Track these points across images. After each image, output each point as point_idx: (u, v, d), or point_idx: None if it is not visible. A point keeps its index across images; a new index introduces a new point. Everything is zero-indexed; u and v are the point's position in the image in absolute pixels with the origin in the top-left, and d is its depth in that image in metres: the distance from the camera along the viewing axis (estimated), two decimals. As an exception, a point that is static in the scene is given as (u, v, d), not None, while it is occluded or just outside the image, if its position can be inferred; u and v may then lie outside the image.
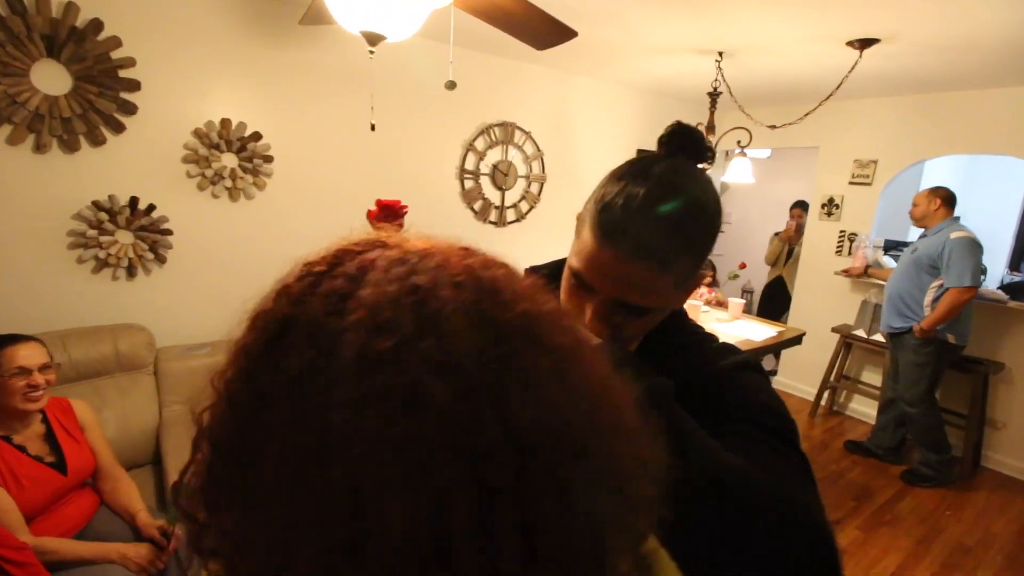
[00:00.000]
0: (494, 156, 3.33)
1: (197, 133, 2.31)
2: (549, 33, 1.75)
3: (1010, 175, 4.41)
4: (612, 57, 3.03)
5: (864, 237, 3.66)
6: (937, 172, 4.58)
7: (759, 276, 5.74)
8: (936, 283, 2.83)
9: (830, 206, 3.88)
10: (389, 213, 1.46)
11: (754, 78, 3.20)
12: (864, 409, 3.81)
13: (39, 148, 1.99)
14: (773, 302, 4.44)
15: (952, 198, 2.90)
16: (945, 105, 3.29)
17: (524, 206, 3.53)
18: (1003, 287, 3.35)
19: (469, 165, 3.23)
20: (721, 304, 3.46)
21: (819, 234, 3.98)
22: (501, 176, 3.35)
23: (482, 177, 3.30)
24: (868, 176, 3.66)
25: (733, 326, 3.02)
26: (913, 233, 4.51)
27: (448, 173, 3.17)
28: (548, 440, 0.27)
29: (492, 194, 3.38)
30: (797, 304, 4.15)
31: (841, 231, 3.84)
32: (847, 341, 3.69)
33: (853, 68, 2.59)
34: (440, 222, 3.14)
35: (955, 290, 2.70)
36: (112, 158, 2.16)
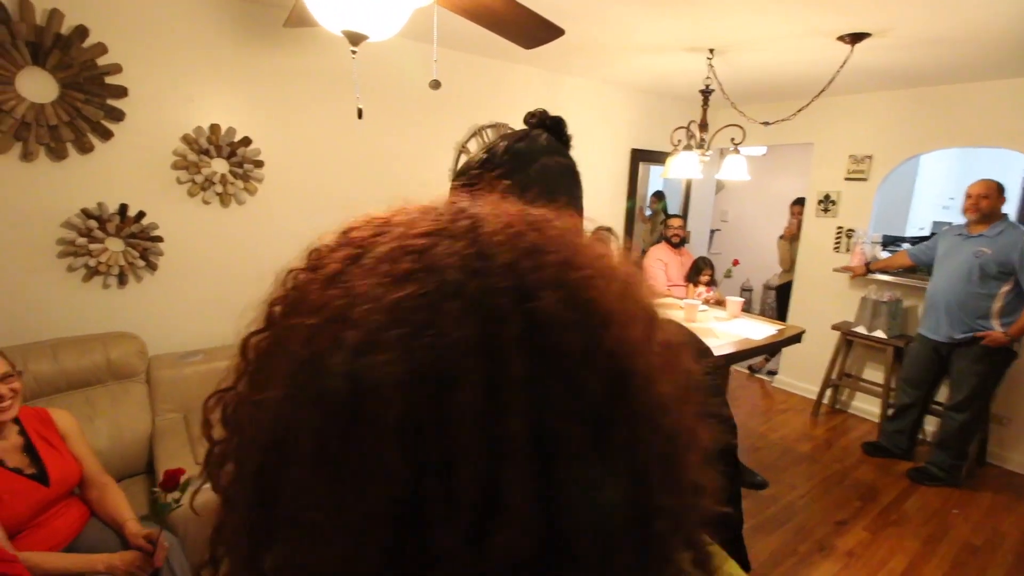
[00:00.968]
0: (487, 158, 3.31)
1: (186, 139, 2.30)
2: (536, 31, 1.74)
3: (1007, 168, 4.40)
4: (602, 56, 3.03)
5: (862, 233, 3.64)
6: (933, 166, 4.57)
7: (758, 274, 5.73)
8: (1006, 287, 2.70)
9: (826, 202, 3.86)
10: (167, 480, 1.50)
11: (746, 75, 3.19)
12: (866, 407, 3.77)
13: (26, 156, 1.98)
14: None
15: None
16: (940, 98, 3.28)
17: (519, 208, 3.51)
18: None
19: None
20: (720, 303, 3.44)
21: (816, 231, 3.95)
22: (495, 178, 3.33)
23: (476, 179, 3.28)
24: (864, 172, 3.65)
25: (732, 325, 2.99)
26: (911, 228, 4.49)
27: (441, 175, 3.15)
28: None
29: (486, 196, 3.36)
30: (796, 302, 4.12)
31: (839, 227, 3.82)
32: (848, 338, 3.66)
33: (845, 63, 2.57)
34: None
35: None
36: (100, 165, 2.14)
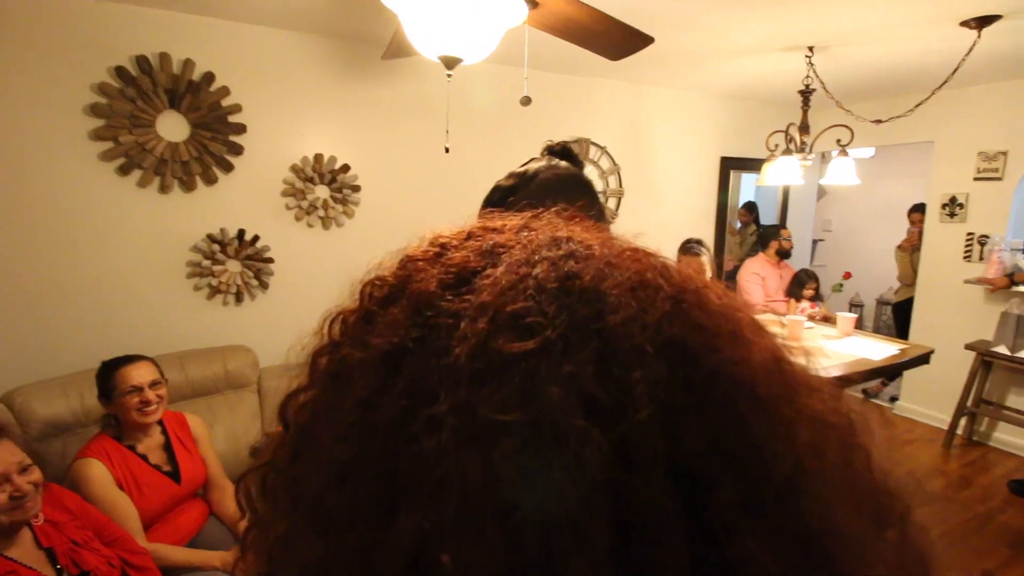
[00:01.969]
0: (571, 174, 3.30)
1: (294, 168, 2.50)
2: (625, 42, 1.72)
3: None
4: (689, 63, 2.94)
5: (998, 240, 3.21)
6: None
7: (869, 288, 5.22)
8: None
9: (952, 206, 3.45)
10: None
11: (851, 71, 2.96)
12: (1012, 439, 3.27)
13: (163, 189, 2.25)
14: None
15: None
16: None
17: (603, 223, 3.46)
18: None
19: (546, 185, 3.22)
20: (827, 319, 3.15)
21: (941, 238, 3.54)
22: (578, 194, 3.31)
23: (559, 196, 3.28)
24: (997, 170, 3.23)
25: (844, 343, 2.71)
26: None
27: (525, 194, 3.18)
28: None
29: (570, 212, 3.34)
30: (919, 319, 3.68)
31: (968, 233, 3.39)
32: (985, 360, 3.21)
33: (971, 50, 2.30)
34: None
35: None
36: (223, 194, 2.38)
